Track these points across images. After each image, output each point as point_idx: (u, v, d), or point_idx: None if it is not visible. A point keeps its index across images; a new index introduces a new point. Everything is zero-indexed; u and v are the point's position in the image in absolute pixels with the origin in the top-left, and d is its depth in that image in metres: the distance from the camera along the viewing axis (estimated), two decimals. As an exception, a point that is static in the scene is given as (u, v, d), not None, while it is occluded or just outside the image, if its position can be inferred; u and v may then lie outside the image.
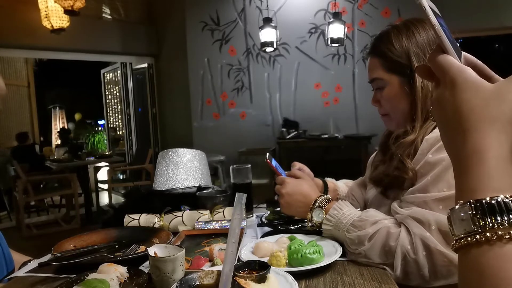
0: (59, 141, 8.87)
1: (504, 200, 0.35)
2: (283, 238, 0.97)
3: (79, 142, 8.95)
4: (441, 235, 0.80)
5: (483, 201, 0.36)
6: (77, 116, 11.89)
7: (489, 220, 0.35)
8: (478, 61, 0.43)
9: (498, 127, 0.37)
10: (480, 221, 0.36)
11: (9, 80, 7.48)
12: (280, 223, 1.16)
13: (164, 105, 5.96)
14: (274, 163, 1.17)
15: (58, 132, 9.25)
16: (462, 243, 0.37)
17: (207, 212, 1.23)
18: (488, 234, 0.35)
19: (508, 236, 0.34)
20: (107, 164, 5.90)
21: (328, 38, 4.22)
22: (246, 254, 0.93)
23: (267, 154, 1.16)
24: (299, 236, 0.98)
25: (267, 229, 1.17)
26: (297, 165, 1.26)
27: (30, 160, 5.52)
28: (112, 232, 1.14)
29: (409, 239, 0.83)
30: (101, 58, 6.20)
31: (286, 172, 1.21)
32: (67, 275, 0.87)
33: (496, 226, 0.35)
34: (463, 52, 0.43)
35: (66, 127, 10.48)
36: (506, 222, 0.34)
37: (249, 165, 1.40)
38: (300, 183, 1.08)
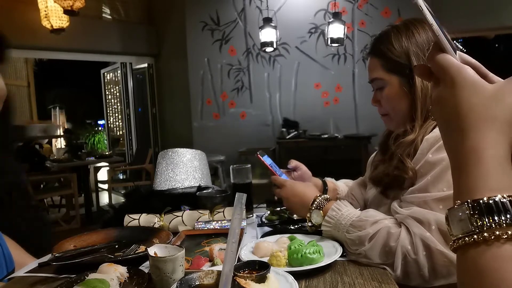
0: (63, 142, 8.87)
1: (502, 200, 0.35)
2: (283, 238, 0.97)
3: (79, 142, 8.96)
4: (441, 235, 0.80)
5: (481, 201, 0.36)
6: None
7: (486, 220, 0.35)
8: (473, 60, 0.43)
9: (496, 127, 0.37)
10: (478, 221, 0.36)
11: (9, 80, 7.48)
12: (280, 223, 1.16)
13: (164, 105, 5.96)
14: (269, 161, 1.16)
15: (63, 133, 9.27)
16: (460, 243, 0.37)
17: (207, 212, 1.23)
18: (485, 234, 0.35)
19: (506, 236, 0.34)
20: (107, 164, 5.90)
21: (328, 38, 4.22)
22: (246, 254, 0.93)
23: (260, 150, 1.16)
24: (299, 236, 0.98)
25: (267, 229, 1.17)
26: (293, 162, 1.26)
27: (32, 160, 5.52)
28: (112, 232, 1.14)
29: (409, 239, 0.83)
30: (101, 58, 6.20)
31: (282, 170, 1.21)
32: (67, 275, 0.87)
33: (493, 226, 0.35)
34: (458, 52, 0.43)
35: (65, 127, 10.49)
36: (504, 222, 0.34)
37: (249, 165, 1.40)
38: (295, 185, 1.08)
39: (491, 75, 0.43)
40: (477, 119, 0.38)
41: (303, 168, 1.27)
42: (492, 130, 0.37)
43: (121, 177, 6.80)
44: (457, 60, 0.42)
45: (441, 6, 4.72)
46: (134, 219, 1.21)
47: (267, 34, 4.21)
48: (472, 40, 5.38)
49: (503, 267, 0.34)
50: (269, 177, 1.16)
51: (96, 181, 6.01)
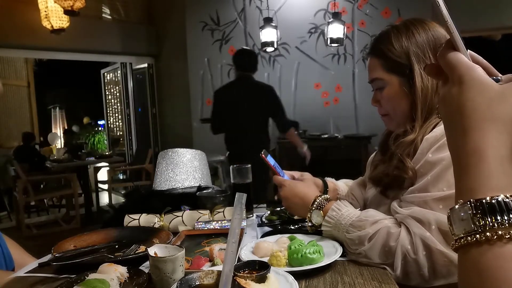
0: (61, 143, 8.91)
1: (505, 200, 0.35)
2: (283, 238, 0.97)
3: (79, 142, 8.97)
4: (441, 234, 0.80)
5: (483, 201, 0.36)
6: (85, 120, 11.93)
7: (489, 219, 0.35)
8: (484, 61, 0.43)
9: (499, 127, 0.37)
10: (480, 220, 0.36)
11: (9, 80, 7.48)
12: (280, 223, 1.16)
13: (164, 105, 5.96)
14: (272, 161, 1.16)
15: (63, 133, 9.31)
16: (462, 242, 0.37)
17: (207, 212, 1.23)
18: (488, 233, 0.35)
19: (508, 235, 0.34)
20: (107, 164, 5.89)
21: (327, 38, 4.22)
22: (246, 254, 0.93)
23: (264, 150, 1.16)
24: (299, 236, 0.98)
25: (267, 229, 1.17)
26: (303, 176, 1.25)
27: (32, 160, 5.52)
28: (112, 232, 1.14)
29: (409, 239, 0.83)
30: (101, 58, 6.20)
31: (284, 171, 1.21)
32: (67, 275, 0.87)
33: (496, 225, 0.35)
34: (469, 51, 0.43)
35: (66, 128, 10.50)
36: (506, 221, 0.34)
37: (249, 165, 1.40)
38: (296, 185, 1.08)
39: (500, 76, 0.43)
40: (480, 119, 0.38)
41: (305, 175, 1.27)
42: (494, 130, 0.37)
43: (121, 177, 6.80)
44: (469, 59, 0.42)
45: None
46: (134, 219, 1.21)
47: (268, 34, 4.20)
48: (477, 41, 5.36)
49: (505, 267, 0.34)
50: (270, 177, 1.16)
51: (96, 181, 6.01)
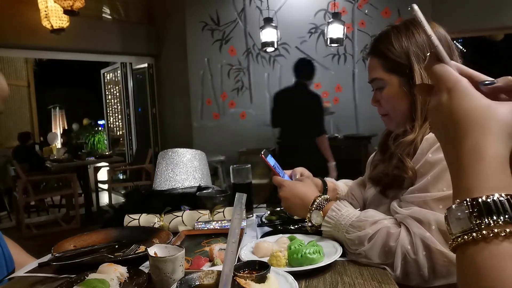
0: (59, 143, 8.91)
1: (500, 199, 0.36)
2: (283, 238, 0.97)
3: (79, 142, 8.98)
4: (441, 234, 0.80)
5: (479, 200, 0.37)
6: (85, 122, 11.95)
7: (485, 218, 0.36)
8: (470, 70, 0.44)
9: (495, 128, 0.38)
10: (477, 219, 0.36)
11: (9, 80, 7.47)
12: (280, 223, 1.16)
13: (164, 105, 5.96)
14: (272, 161, 1.16)
15: (62, 133, 9.32)
16: (459, 241, 0.38)
17: (207, 212, 1.23)
18: (484, 231, 0.36)
19: (504, 234, 0.35)
20: (107, 164, 5.90)
21: (327, 38, 4.22)
22: (246, 254, 0.93)
23: (264, 150, 1.16)
24: (299, 236, 0.98)
25: (267, 229, 1.17)
26: (298, 171, 1.26)
27: (31, 160, 5.52)
28: (112, 232, 1.14)
29: (409, 239, 0.83)
30: (101, 58, 6.20)
31: (285, 171, 1.21)
32: (67, 275, 0.87)
33: (492, 223, 0.36)
34: (456, 63, 0.44)
35: (66, 128, 10.50)
36: (502, 220, 0.35)
37: (249, 165, 1.40)
38: (296, 186, 1.08)
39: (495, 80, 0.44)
40: (475, 122, 0.39)
41: (306, 172, 1.27)
42: (492, 131, 0.38)
43: (121, 177, 6.80)
44: (454, 70, 0.43)
45: (440, 5, 4.73)
46: (134, 219, 1.21)
47: (268, 34, 4.20)
48: (477, 41, 5.35)
49: (501, 265, 0.34)
50: (270, 176, 1.16)
51: (96, 181, 6.01)
